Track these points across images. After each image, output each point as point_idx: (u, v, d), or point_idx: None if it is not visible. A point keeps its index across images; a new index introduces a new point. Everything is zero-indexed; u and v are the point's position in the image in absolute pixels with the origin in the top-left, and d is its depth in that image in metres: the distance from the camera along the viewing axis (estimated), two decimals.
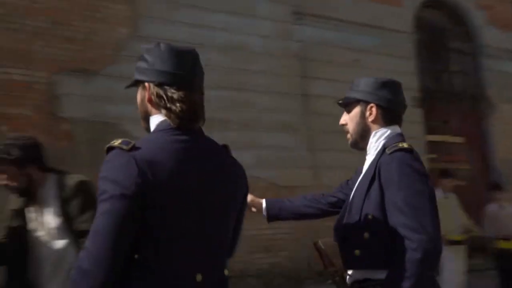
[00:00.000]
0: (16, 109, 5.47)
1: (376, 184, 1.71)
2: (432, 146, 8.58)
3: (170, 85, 1.35)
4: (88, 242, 1.25)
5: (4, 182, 2.30)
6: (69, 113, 5.70)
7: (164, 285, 1.28)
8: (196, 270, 1.31)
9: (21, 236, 2.30)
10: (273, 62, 7.19)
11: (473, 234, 5.51)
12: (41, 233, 2.31)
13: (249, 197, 2.09)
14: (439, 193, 5.45)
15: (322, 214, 2.09)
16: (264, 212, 2.12)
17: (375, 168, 1.73)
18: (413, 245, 1.58)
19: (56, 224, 2.29)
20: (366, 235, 1.70)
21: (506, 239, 5.46)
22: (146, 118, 1.43)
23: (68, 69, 5.81)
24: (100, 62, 6.00)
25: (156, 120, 1.39)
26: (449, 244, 5.14)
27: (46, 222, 2.31)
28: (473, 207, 6.39)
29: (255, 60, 7.09)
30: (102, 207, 1.25)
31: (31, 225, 2.33)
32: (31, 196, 2.33)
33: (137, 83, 1.43)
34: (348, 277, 1.80)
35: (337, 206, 2.01)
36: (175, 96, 1.34)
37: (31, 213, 2.35)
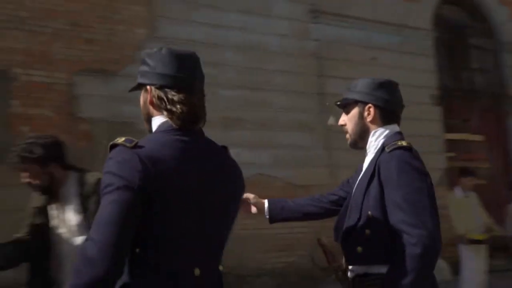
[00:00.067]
0: (37, 110, 5.57)
1: (375, 182, 1.74)
2: (451, 145, 8.47)
3: (171, 88, 1.39)
4: (92, 232, 1.27)
5: (27, 180, 2.35)
6: (88, 114, 5.79)
7: (164, 278, 1.32)
8: (194, 265, 1.35)
9: (43, 233, 2.35)
10: (290, 61, 7.18)
11: (495, 233, 5.43)
12: (62, 230, 2.35)
13: (252, 198, 2.13)
14: (459, 192, 5.39)
15: (324, 212, 2.12)
16: (266, 213, 2.13)
17: (375, 166, 1.77)
18: (412, 240, 1.60)
19: (77, 221, 2.32)
20: (367, 231, 1.73)
21: None
22: (149, 120, 1.48)
23: (87, 70, 5.89)
24: (118, 63, 6.07)
25: (157, 121, 1.44)
26: (470, 243, 5.08)
27: (67, 219, 2.35)
28: (493, 206, 6.30)
29: (271, 60, 7.09)
30: (108, 198, 1.28)
31: (53, 222, 2.37)
32: (52, 193, 2.37)
33: (140, 86, 1.47)
34: (349, 272, 1.83)
35: (338, 204, 2.04)
36: (176, 98, 1.39)
37: (53, 211, 2.39)
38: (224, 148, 1.53)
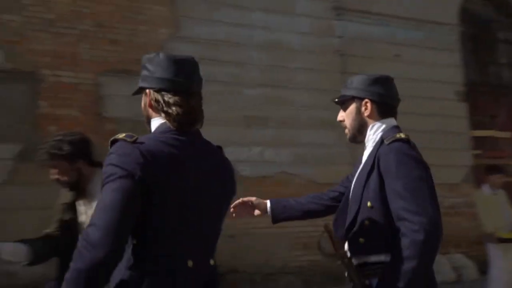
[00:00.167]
0: (64, 110, 5.70)
1: (375, 174, 1.79)
2: (477, 142, 8.31)
3: (168, 91, 1.47)
4: (94, 218, 1.33)
5: (55, 176, 2.40)
6: (113, 113, 5.88)
7: (159, 268, 1.38)
8: (188, 257, 1.42)
9: (72, 229, 2.40)
10: (313, 59, 7.16)
11: None
12: None
13: (254, 199, 2.18)
14: (487, 190, 5.29)
15: (325, 209, 2.16)
16: (269, 213, 2.17)
17: (374, 159, 1.81)
18: (414, 227, 1.64)
19: None
20: (366, 222, 1.78)
21: None
22: (149, 122, 1.56)
23: (112, 71, 5.99)
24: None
25: (156, 122, 1.51)
26: (498, 242, 4.99)
27: None
28: None
29: (294, 58, 7.08)
30: (110, 186, 1.35)
31: (81, 218, 2.43)
32: (80, 190, 2.42)
33: (141, 90, 1.55)
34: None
35: (338, 200, 2.08)
36: (171, 100, 1.46)
37: (80, 207, 2.44)
38: (219, 148, 1.60)
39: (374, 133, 1.91)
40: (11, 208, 5.16)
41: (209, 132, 6.73)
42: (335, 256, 1.83)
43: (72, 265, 1.33)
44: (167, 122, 1.48)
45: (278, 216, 2.17)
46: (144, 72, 1.52)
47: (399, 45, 7.78)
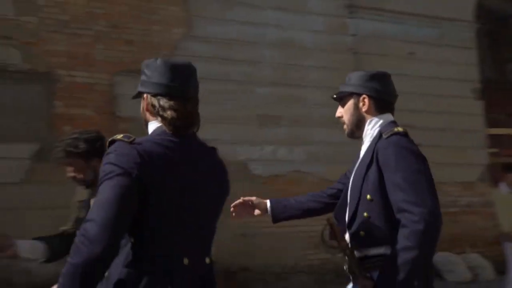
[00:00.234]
0: (79, 110, 5.77)
1: (374, 168, 1.82)
2: (494, 140, 8.20)
3: (164, 96, 1.51)
4: (92, 214, 1.38)
5: (72, 174, 2.42)
6: (127, 113, 5.93)
7: (156, 268, 1.42)
8: (184, 255, 1.46)
9: None
10: (326, 57, 7.14)
11: None
12: None
13: (254, 199, 2.20)
14: (504, 188, 5.23)
15: (325, 207, 2.19)
16: (269, 213, 2.18)
17: (373, 153, 1.85)
18: (414, 218, 1.67)
19: None
20: (366, 215, 1.81)
21: None
22: (146, 125, 1.60)
23: (127, 71, 6.04)
24: None
25: (153, 126, 1.56)
26: None
27: None
28: None
29: (307, 56, 7.07)
30: (107, 183, 1.39)
31: None
32: (96, 187, 2.44)
33: (139, 94, 1.59)
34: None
35: (337, 197, 2.10)
36: (167, 105, 1.50)
37: None
38: (214, 149, 1.64)
39: (371, 128, 1.94)
40: (29, 206, 5.25)
41: (222, 130, 6.78)
42: (337, 249, 1.86)
43: (69, 259, 1.36)
44: (163, 125, 1.52)
45: (278, 215, 2.19)
46: (143, 77, 1.57)
47: (413, 42, 7.71)
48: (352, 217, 1.86)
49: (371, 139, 1.92)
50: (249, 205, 2.20)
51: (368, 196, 1.81)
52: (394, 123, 1.94)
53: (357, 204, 1.84)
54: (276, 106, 6.75)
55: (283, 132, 6.74)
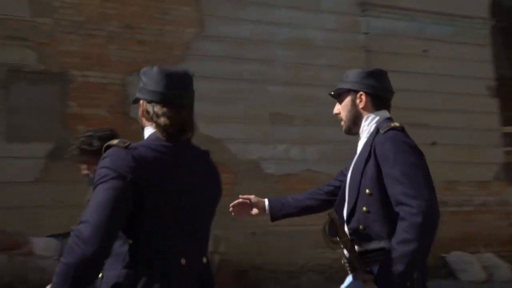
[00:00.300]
0: (92, 110, 5.83)
1: (372, 162, 1.85)
2: (509, 138, 8.10)
3: (158, 103, 1.57)
4: (86, 216, 1.41)
5: (86, 172, 2.45)
6: None
7: (153, 271, 1.46)
8: (181, 256, 1.51)
9: None
10: (338, 55, 7.11)
11: None
12: None
13: (252, 198, 2.23)
14: None
15: (322, 204, 2.22)
16: (267, 211, 2.21)
17: (371, 148, 1.88)
18: (413, 210, 1.69)
19: None
20: (365, 209, 1.84)
21: None
22: (143, 129, 1.66)
23: (140, 71, 6.08)
24: (169, 62, 6.23)
25: (148, 131, 1.62)
26: None
27: None
28: None
29: (320, 55, 7.05)
30: (102, 186, 1.43)
31: None
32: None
33: (137, 100, 1.66)
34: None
35: (334, 194, 2.14)
36: (160, 112, 1.56)
37: None
38: (207, 152, 1.69)
39: (368, 124, 1.98)
40: (43, 204, 5.32)
41: (234, 129, 6.78)
42: (339, 244, 1.87)
43: (63, 259, 1.39)
44: (157, 131, 1.57)
45: (276, 213, 2.22)
46: (140, 84, 1.63)
47: (427, 40, 7.65)
48: (351, 212, 1.89)
49: (368, 135, 1.95)
50: (248, 204, 2.23)
51: (367, 191, 1.83)
52: (390, 120, 1.97)
53: (356, 199, 1.87)
54: (289, 105, 6.74)
55: (296, 131, 6.73)
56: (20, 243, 2.32)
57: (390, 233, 1.75)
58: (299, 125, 6.76)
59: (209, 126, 6.29)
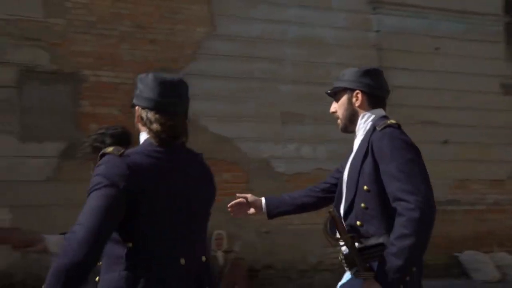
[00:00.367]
0: (104, 109, 5.88)
1: (369, 159, 1.88)
2: None
3: (151, 109, 1.61)
4: (80, 219, 1.46)
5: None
6: None
7: (151, 275, 1.50)
8: (180, 255, 1.55)
9: None
10: (349, 54, 7.08)
11: None
12: None
13: (249, 197, 2.24)
14: None
15: (318, 201, 2.24)
16: (264, 209, 2.22)
17: (368, 145, 1.90)
18: (410, 206, 1.72)
19: None
20: (363, 205, 1.86)
21: None
22: (138, 134, 1.70)
23: (151, 70, 6.12)
24: (180, 61, 6.26)
25: (143, 136, 1.66)
26: None
27: None
28: None
29: (330, 53, 7.03)
30: (96, 193, 1.48)
31: None
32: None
33: (133, 105, 1.70)
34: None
35: (330, 191, 2.16)
36: (153, 118, 1.60)
37: None
38: (200, 155, 1.72)
39: (364, 122, 2.00)
40: (56, 203, 5.38)
41: (245, 128, 6.79)
42: (339, 240, 1.89)
43: (56, 259, 1.44)
44: (151, 137, 1.61)
45: (272, 211, 2.23)
46: (136, 90, 1.67)
47: (439, 38, 7.59)
48: (348, 209, 1.91)
49: (364, 132, 1.98)
50: (245, 203, 2.24)
51: (365, 187, 1.86)
52: (386, 117, 1.99)
53: (354, 196, 1.89)
54: (299, 104, 6.74)
55: (306, 129, 6.73)
56: (34, 241, 2.34)
57: (389, 229, 1.78)
58: (309, 123, 6.75)
59: (220, 125, 6.31)
